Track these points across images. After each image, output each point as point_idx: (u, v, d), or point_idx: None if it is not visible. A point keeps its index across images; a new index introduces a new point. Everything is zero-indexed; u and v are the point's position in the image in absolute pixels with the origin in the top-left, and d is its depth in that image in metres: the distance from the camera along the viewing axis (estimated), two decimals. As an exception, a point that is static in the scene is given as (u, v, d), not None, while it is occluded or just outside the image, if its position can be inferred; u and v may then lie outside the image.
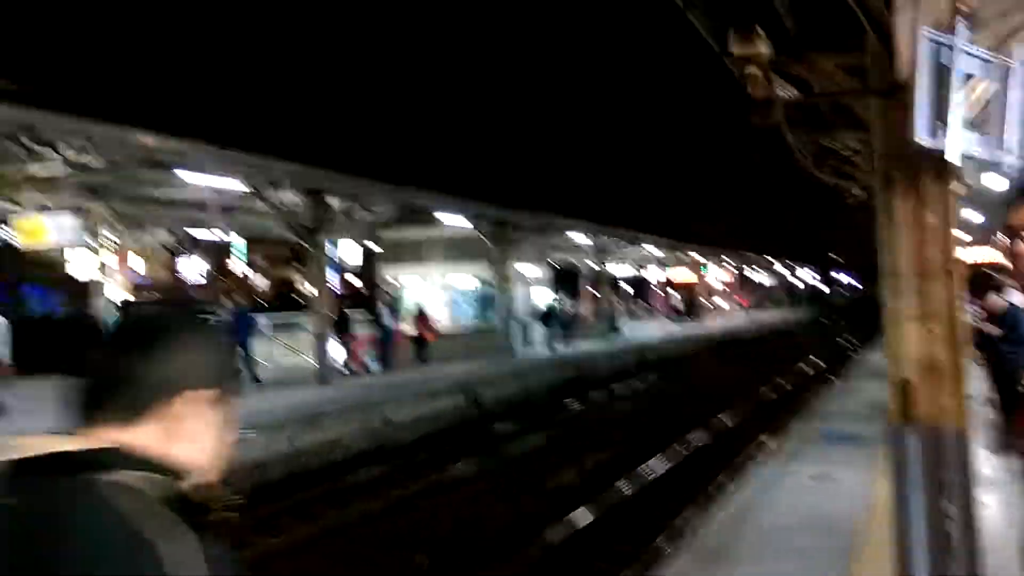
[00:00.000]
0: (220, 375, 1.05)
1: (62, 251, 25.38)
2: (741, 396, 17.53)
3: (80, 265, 17.44)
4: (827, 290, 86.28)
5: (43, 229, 11.72)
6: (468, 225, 19.56)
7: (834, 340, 35.91)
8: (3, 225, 31.07)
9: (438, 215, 19.05)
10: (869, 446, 7.72)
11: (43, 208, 14.99)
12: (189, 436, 1.00)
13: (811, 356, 27.49)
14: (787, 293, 63.45)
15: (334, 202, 14.74)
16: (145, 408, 0.97)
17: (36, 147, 9.01)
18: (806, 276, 68.97)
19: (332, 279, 20.79)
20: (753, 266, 51.68)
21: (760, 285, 57.39)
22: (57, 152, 10.03)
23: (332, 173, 13.78)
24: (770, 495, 6.76)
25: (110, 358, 1.00)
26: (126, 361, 0.99)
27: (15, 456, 0.91)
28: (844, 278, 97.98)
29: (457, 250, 23.35)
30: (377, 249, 25.20)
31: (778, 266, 56.03)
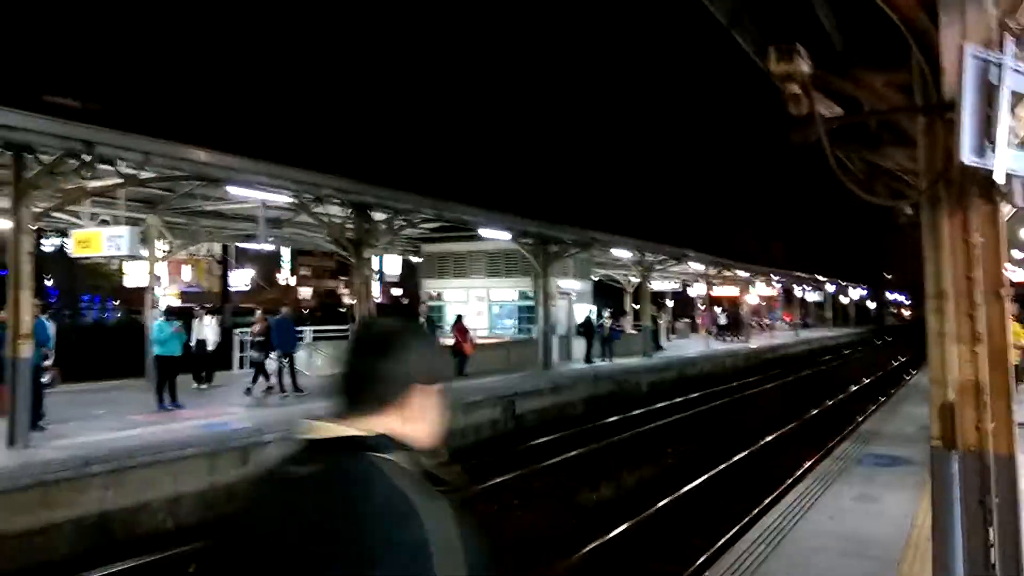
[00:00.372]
0: (439, 371, 1.36)
1: (117, 261, 26.22)
2: (785, 415, 17.21)
3: (133, 275, 17.94)
4: (877, 309, 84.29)
5: (99, 240, 12.09)
6: (509, 238, 19.61)
7: (885, 360, 35.05)
8: (62, 237, 32.18)
9: (480, 230, 19.15)
10: (916, 469, 7.51)
11: (100, 220, 15.53)
12: (420, 420, 1.30)
13: (860, 376, 26.86)
14: (836, 312, 62.08)
15: (378, 216, 14.94)
16: (390, 400, 1.28)
17: (96, 163, 9.33)
18: (855, 295, 67.40)
19: (374, 291, 21.03)
20: (802, 285, 50.70)
21: (807, 303, 56.26)
22: (115, 167, 10.39)
23: (377, 188, 13.97)
24: (810, 516, 6.62)
25: (363, 362, 1.30)
26: (375, 364, 1.29)
27: (310, 436, 1.27)
28: (896, 297, 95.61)
29: (498, 263, 23.43)
30: (419, 261, 25.44)
31: (827, 284, 54.87)
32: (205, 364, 15.72)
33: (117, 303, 45.61)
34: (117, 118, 10.26)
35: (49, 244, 35.03)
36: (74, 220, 15.46)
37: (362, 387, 1.29)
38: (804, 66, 3.26)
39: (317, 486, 1.20)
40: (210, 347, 15.79)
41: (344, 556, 1.13)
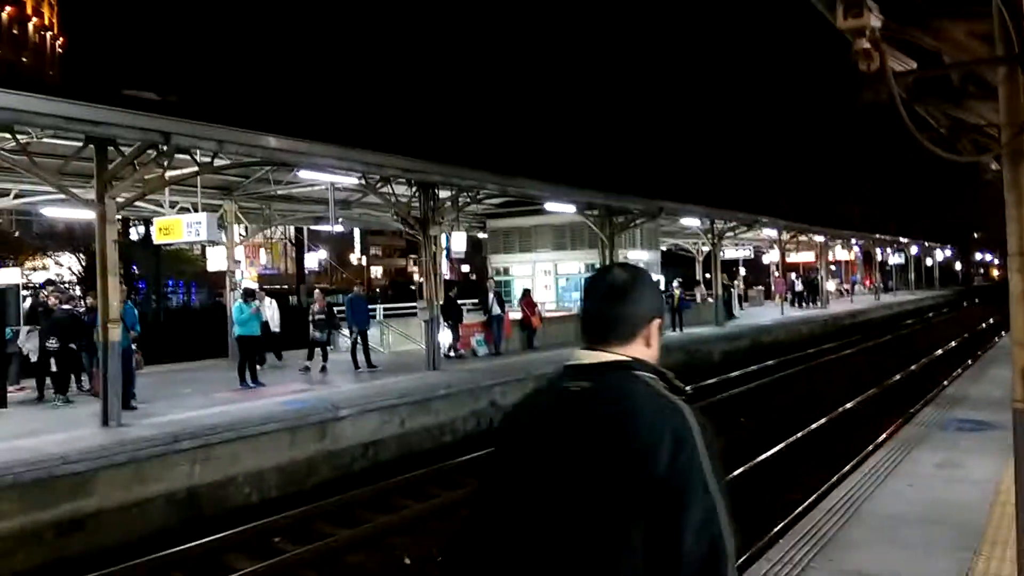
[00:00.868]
0: (661, 308, 1.71)
1: (198, 247, 27.26)
2: (866, 382, 16.69)
3: (213, 259, 18.63)
4: (965, 269, 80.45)
5: (179, 227, 12.59)
6: (575, 211, 19.49)
7: (971, 322, 33.50)
8: (147, 225, 33.57)
9: (545, 204, 19.08)
10: (1003, 433, 7.19)
11: (179, 208, 16.17)
12: (653, 346, 1.66)
13: (944, 339, 25.76)
14: (920, 274, 59.51)
15: (443, 193, 15.06)
16: (635, 332, 1.62)
17: (173, 152, 9.70)
18: (940, 256, 64.39)
19: (442, 267, 21.27)
20: (883, 247, 48.70)
21: (890, 266, 54.05)
22: (191, 156, 10.77)
23: (441, 165, 14.06)
24: (889, 483, 6.43)
25: (613, 306, 1.63)
26: (623, 308, 1.62)
27: (584, 362, 1.60)
28: (985, 257, 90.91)
29: (564, 236, 23.34)
30: (485, 237, 25.58)
31: (911, 246, 52.55)
32: (271, 345, 15.74)
33: (200, 287, 47.55)
34: (192, 108, 10.62)
35: (135, 233, 36.73)
36: (156, 208, 16.15)
37: (614, 325, 1.62)
38: (874, 20, 3.10)
39: (592, 397, 1.54)
40: (274, 328, 15.85)
41: (621, 449, 1.45)
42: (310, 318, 14.63)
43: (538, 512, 1.50)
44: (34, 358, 11.65)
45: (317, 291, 15.58)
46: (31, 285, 18.54)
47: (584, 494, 1.45)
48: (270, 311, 15.75)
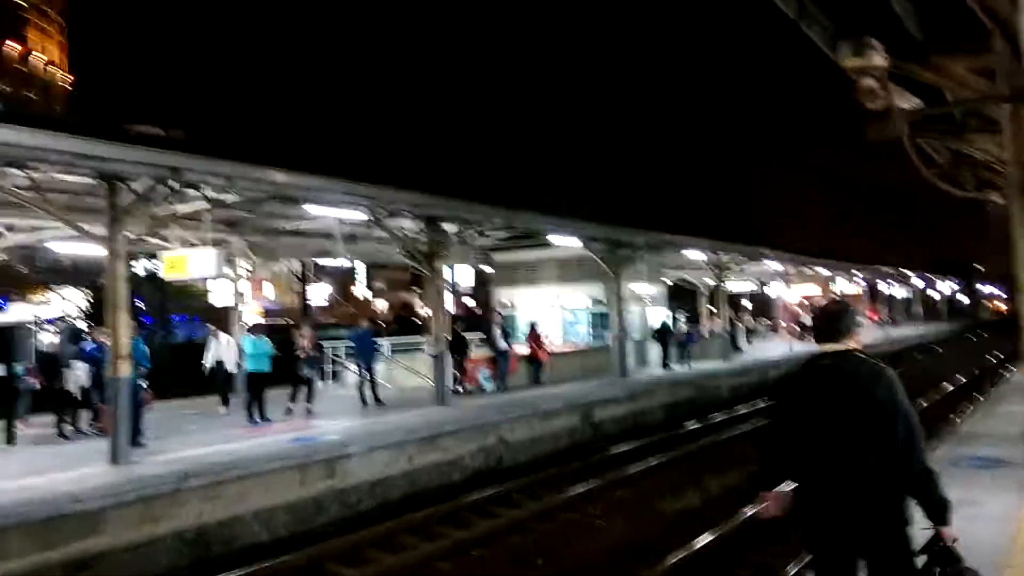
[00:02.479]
0: (859, 321, 3.28)
1: (203, 281, 27.33)
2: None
3: (218, 294, 18.66)
4: (971, 303, 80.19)
5: (186, 262, 12.66)
6: (580, 244, 19.55)
7: (980, 356, 33.30)
8: (152, 259, 33.75)
9: (551, 237, 19.16)
10: (1020, 471, 7.12)
11: (186, 243, 16.27)
12: (858, 341, 3.26)
13: (953, 374, 25.59)
14: (925, 307, 59.34)
15: (450, 227, 15.15)
16: (850, 333, 3.23)
17: (181, 188, 9.80)
18: (945, 288, 64.25)
19: (448, 301, 21.29)
20: (887, 280, 48.64)
21: (894, 299, 53.94)
22: (199, 191, 10.88)
23: (448, 200, 14.16)
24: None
25: (837, 321, 3.27)
26: (842, 321, 3.27)
27: (827, 350, 3.24)
28: (990, 290, 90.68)
29: (570, 270, 23.34)
30: (490, 271, 25.62)
31: (914, 279, 52.48)
32: (227, 387, 14.73)
33: (205, 322, 47.59)
34: (201, 144, 10.74)
35: (140, 267, 36.89)
36: (163, 244, 16.24)
37: (840, 331, 3.24)
38: (879, 59, 3.16)
39: (837, 365, 3.17)
40: (230, 368, 14.68)
41: (860, 388, 3.07)
42: (300, 355, 13.61)
43: (818, 420, 3.16)
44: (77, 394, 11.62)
45: (306, 327, 14.96)
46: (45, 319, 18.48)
47: (843, 409, 3.10)
48: (228, 350, 14.74)
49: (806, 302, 40.32)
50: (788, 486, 3.27)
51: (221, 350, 14.75)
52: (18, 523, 7.14)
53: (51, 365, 11.65)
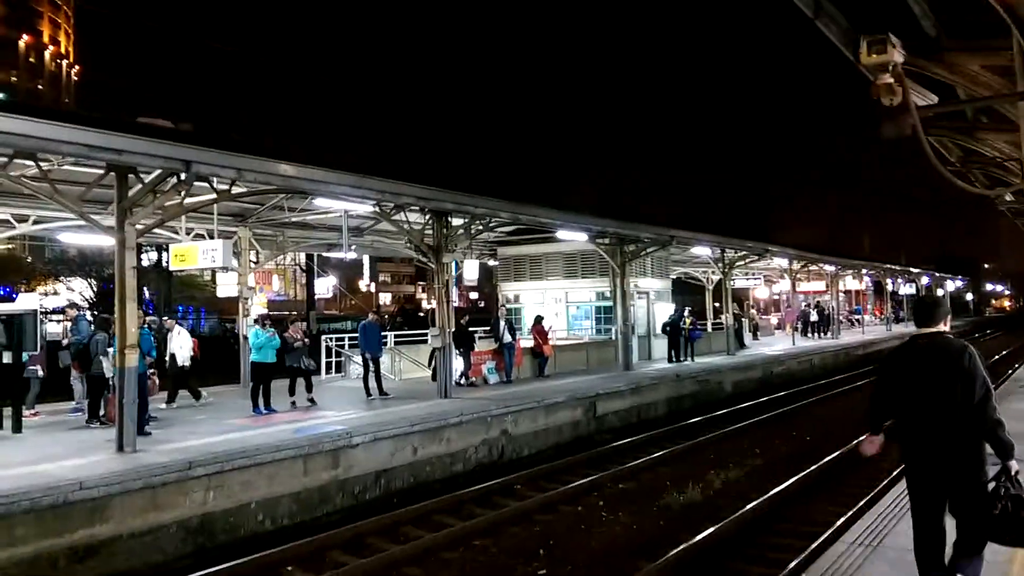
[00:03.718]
0: (950, 309, 4.62)
1: (208, 273, 27.38)
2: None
3: (224, 285, 18.70)
4: (976, 300, 79.96)
5: (195, 254, 12.68)
6: (586, 239, 19.54)
7: (985, 354, 33.24)
8: (157, 250, 33.81)
9: (557, 231, 19.14)
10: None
11: (194, 235, 16.31)
12: (947, 325, 4.40)
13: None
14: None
15: (456, 221, 15.15)
16: (942, 319, 4.34)
17: (193, 180, 9.80)
18: (951, 287, 64.06)
19: (453, 294, 21.29)
20: (894, 277, 48.49)
21: (900, 296, 53.80)
22: (210, 184, 10.90)
23: (455, 193, 14.15)
24: (909, 518, 6.35)
25: (932, 309, 4.40)
26: (937, 308, 4.38)
27: (923, 332, 4.37)
28: (995, 288, 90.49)
29: (575, 264, 23.35)
30: (495, 264, 25.61)
31: (922, 276, 52.31)
32: (180, 383, 14.12)
33: (210, 313, 47.73)
34: (211, 137, 10.74)
35: (145, 258, 37.00)
36: (171, 235, 16.29)
37: (934, 317, 4.32)
38: (898, 55, 3.14)
39: (931, 343, 4.26)
40: (181, 362, 13.98)
41: (950, 359, 4.12)
42: (295, 345, 13.42)
43: (919, 382, 4.17)
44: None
45: (298, 324, 14.54)
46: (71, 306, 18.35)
47: (938, 375, 4.11)
48: (181, 341, 14.08)
49: (809, 298, 40.22)
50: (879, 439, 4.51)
51: (173, 342, 14.00)
52: (25, 510, 7.18)
53: (84, 354, 11.71)
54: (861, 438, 4.85)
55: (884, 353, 28.50)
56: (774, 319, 31.20)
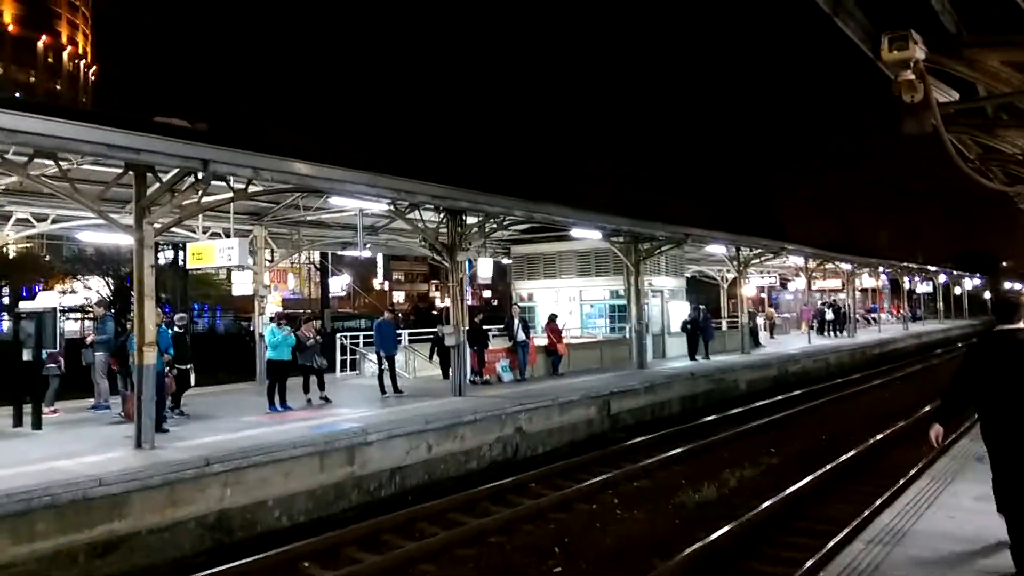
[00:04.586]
0: None
1: (223, 271, 27.56)
2: (896, 413, 16.43)
3: (239, 284, 18.84)
4: (995, 299, 79.02)
5: (212, 252, 12.78)
6: (600, 237, 19.50)
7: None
8: (173, 249, 34.05)
9: (571, 230, 19.12)
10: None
11: (211, 233, 16.44)
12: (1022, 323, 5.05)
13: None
14: (948, 303, 58.63)
15: (470, 219, 15.17)
16: (1020, 317, 4.94)
17: (210, 179, 9.87)
18: (969, 285, 63.42)
19: (466, 293, 21.34)
20: (911, 275, 48.08)
21: (917, 295, 53.34)
22: (226, 183, 10.97)
23: (470, 192, 14.17)
24: (929, 515, 6.32)
25: (1017, 308, 5.01)
26: (1020, 307, 5.02)
27: (1003, 329, 5.00)
28: (1015, 286, 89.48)
29: (589, 262, 23.31)
30: (508, 263, 25.63)
31: (939, 275, 51.84)
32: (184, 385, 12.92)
33: (225, 311, 48.05)
34: (228, 136, 10.80)
35: (162, 257, 37.28)
36: (188, 234, 16.43)
37: (1017, 314, 4.92)
38: (919, 52, 3.12)
39: (1011, 337, 4.88)
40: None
41: None
42: (309, 343, 13.41)
43: (999, 373, 4.80)
44: None
45: (312, 320, 14.58)
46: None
47: (1016, 366, 4.74)
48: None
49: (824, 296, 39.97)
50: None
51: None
52: (46, 505, 7.26)
53: (122, 351, 11.87)
54: (932, 429, 5.34)
55: (901, 350, 28.09)
56: (760, 319, 30.92)
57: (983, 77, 5.05)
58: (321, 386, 13.78)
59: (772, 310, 38.01)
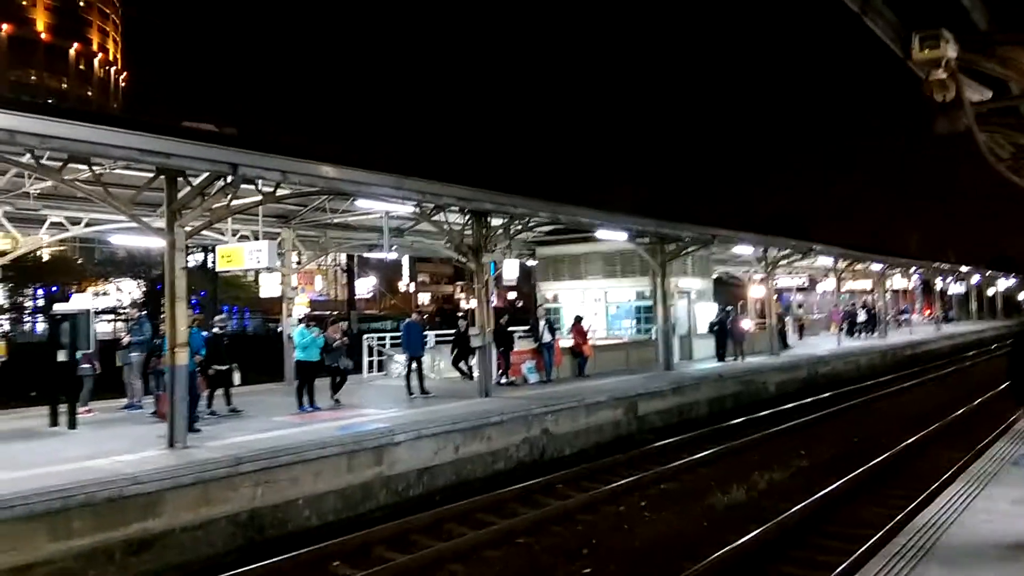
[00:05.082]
0: None
1: (252, 274, 27.85)
2: (929, 415, 16.17)
3: (267, 286, 19.03)
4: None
5: (241, 255, 12.95)
6: (625, 238, 19.43)
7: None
8: (203, 251, 34.53)
9: (597, 231, 19.08)
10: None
11: (239, 236, 16.64)
12: None
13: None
14: (981, 304, 57.55)
15: (495, 221, 15.21)
16: None
17: (239, 183, 10.03)
18: (1003, 285, 62.18)
19: (491, 294, 21.35)
20: (943, 276, 47.23)
21: (950, 295, 52.39)
22: (255, 186, 11.12)
23: (495, 194, 14.21)
24: (964, 519, 6.22)
25: None
26: None
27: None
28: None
29: (614, 264, 23.23)
30: (534, 264, 25.62)
31: (973, 275, 50.86)
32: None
33: (253, 313, 48.56)
34: (257, 140, 10.97)
35: (192, 260, 37.82)
36: (218, 236, 16.65)
37: None
38: (951, 51, 3.09)
39: None
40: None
41: None
42: (336, 344, 13.65)
43: None
44: None
45: (337, 322, 14.74)
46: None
47: None
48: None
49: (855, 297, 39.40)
50: None
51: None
52: (82, 503, 7.41)
53: (158, 351, 12.23)
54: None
55: (933, 351, 27.67)
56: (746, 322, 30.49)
57: (1016, 75, 4.97)
58: (336, 388, 13.82)
59: (801, 311, 37.56)
